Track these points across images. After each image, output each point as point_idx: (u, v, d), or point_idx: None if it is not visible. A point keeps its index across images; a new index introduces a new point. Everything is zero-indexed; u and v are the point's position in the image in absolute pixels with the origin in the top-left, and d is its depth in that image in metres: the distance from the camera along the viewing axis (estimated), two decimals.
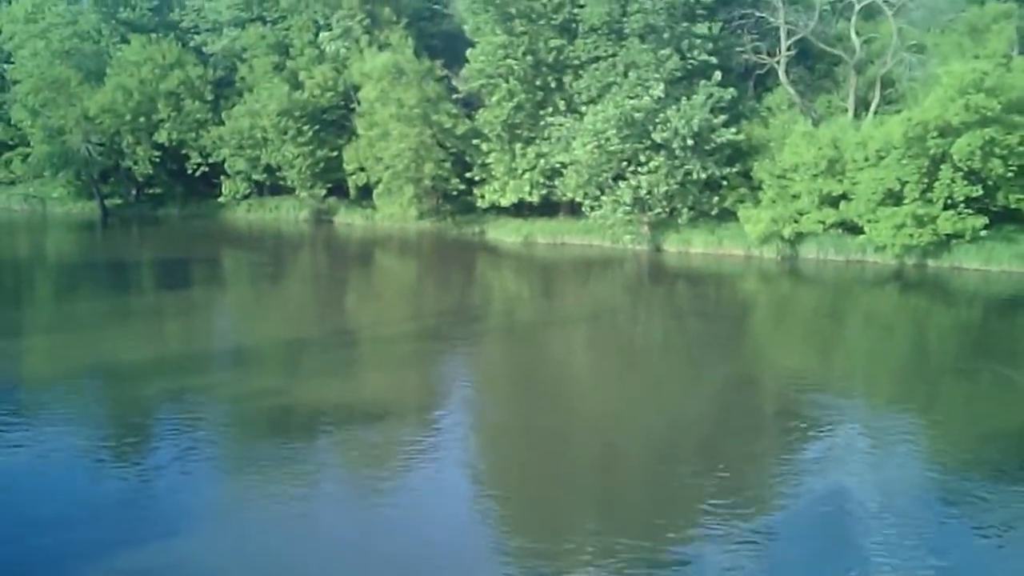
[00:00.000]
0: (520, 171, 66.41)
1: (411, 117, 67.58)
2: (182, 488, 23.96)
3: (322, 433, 28.59)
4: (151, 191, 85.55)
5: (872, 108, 60.03)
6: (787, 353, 40.93)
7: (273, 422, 29.28)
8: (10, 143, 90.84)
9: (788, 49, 62.12)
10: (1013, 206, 53.65)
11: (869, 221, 54.91)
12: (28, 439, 27.26)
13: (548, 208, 68.90)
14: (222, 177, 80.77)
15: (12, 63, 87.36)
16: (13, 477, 24.69)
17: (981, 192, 52.92)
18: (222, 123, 78.76)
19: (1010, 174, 52.46)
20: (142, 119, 79.80)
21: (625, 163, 60.72)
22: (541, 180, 65.98)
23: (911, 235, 53.05)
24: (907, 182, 52.99)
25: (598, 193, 62.22)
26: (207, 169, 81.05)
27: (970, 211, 53.13)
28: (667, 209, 61.35)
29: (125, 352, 37.40)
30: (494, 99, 65.51)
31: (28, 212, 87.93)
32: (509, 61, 64.02)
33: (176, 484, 24.20)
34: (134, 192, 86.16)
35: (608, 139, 59.32)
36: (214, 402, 31.09)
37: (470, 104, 70.78)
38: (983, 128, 51.22)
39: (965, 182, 52.46)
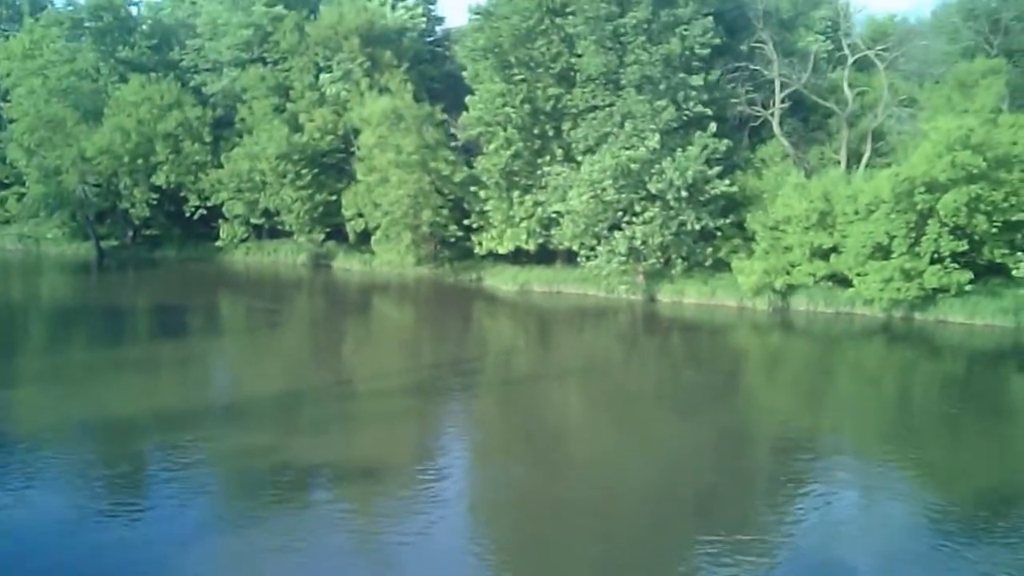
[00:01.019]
0: (517, 219, 71.24)
1: (410, 163, 72.32)
2: (175, 546, 26.90)
3: (317, 491, 32.00)
4: (148, 232, 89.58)
5: (864, 161, 64.97)
6: (779, 406, 45.70)
7: (267, 480, 32.33)
8: (5, 182, 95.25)
9: (782, 101, 67.17)
10: (998, 260, 58.46)
11: (858, 274, 59.70)
12: (18, 497, 30.04)
13: (545, 256, 73.55)
14: (220, 221, 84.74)
15: (8, 101, 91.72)
16: (4, 534, 27.49)
17: (967, 247, 57.71)
18: (220, 165, 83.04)
19: (995, 230, 57.42)
20: (140, 161, 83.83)
21: (620, 213, 65.47)
22: (538, 229, 70.83)
23: (898, 289, 57.83)
24: (895, 236, 57.76)
25: (594, 242, 66.88)
26: (205, 212, 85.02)
27: (956, 265, 57.88)
28: (661, 259, 66.06)
29: (119, 405, 40.53)
30: (492, 147, 70.36)
31: (22, 252, 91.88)
32: (507, 109, 68.97)
33: (170, 541, 27.20)
34: (130, 233, 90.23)
35: (604, 189, 64.17)
36: (209, 459, 34.27)
37: (469, 150, 75.60)
38: (969, 184, 56.14)
39: (951, 237, 57.24)
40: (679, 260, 66.12)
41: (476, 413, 44.04)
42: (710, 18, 65.45)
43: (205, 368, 51.28)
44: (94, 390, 43.43)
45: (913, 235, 57.99)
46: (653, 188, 63.99)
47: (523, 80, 69.39)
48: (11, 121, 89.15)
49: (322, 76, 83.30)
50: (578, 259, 69.02)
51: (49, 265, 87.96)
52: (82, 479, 32.36)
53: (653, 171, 63.89)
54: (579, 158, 68.17)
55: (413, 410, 42.80)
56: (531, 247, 72.01)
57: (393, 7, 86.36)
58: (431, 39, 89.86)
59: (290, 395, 43.72)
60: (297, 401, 42.86)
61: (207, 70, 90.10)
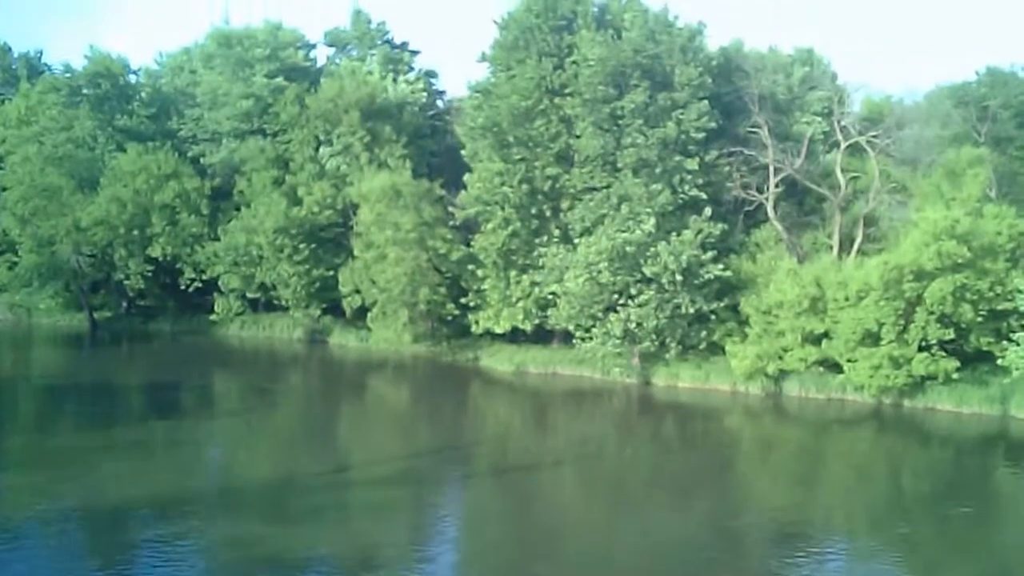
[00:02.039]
0: (514, 299, 76.16)
1: (408, 241, 77.35)
2: None
3: None
4: (142, 303, 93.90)
5: (855, 246, 70.16)
6: (771, 494, 50.22)
7: (259, 573, 35.28)
8: None
9: (776, 186, 72.55)
10: (984, 348, 63.34)
11: (849, 360, 64.59)
12: None
13: (541, 335, 78.37)
14: (215, 295, 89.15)
15: (2, 168, 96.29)
16: None
17: (954, 335, 62.67)
18: (217, 237, 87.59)
19: (980, 318, 62.44)
20: (135, 232, 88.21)
21: (616, 295, 70.32)
22: (534, 309, 75.80)
23: (887, 376, 62.69)
24: (884, 323, 62.57)
25: (590, 324, 71.66)
26: (200, 285, 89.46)
27: (943, 353, 62.80)
28: (656, 342, 70.75)
29: (110, 491, 42.95)
30: (490, 226, 75.48)
31: (13, 322, 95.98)
32: (505, 188, 74.26)
33: None
34: (124, 305, 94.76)
35: (600, 271, 69.12)
36: (200, 550, 36.98)
37: (467, 227, 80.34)
38: (955, 274, 61.19)
39: (938, 325, 62.15)
40: (674, 343, 70.79)
41: (471, 503, 47.82)
42: (706, 102, 70.82)
43: (198, 451, 53.97)
44: (84, 475, 45.71)
45: (902, 322, 62.79)
46: (648, 271, 68.86)
47: (521, 159, 74.61)
48: (4, 189, 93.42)
49: (322, 149, 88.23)
50: (574, 340, 73.63)
51: (41, 337, 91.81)
52: (68, 574, 34.76)
53: (648, 254, 68.80)
54: (576, 239, 73.14)
55: (408, 500, 46.25)
56: (527, 327, 76.74)
57: (394, 80, 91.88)
58: (432, 113, 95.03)
59: (284, 482, 46.63)
60: (290, 488, 45.65)
61: (206, 140, 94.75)
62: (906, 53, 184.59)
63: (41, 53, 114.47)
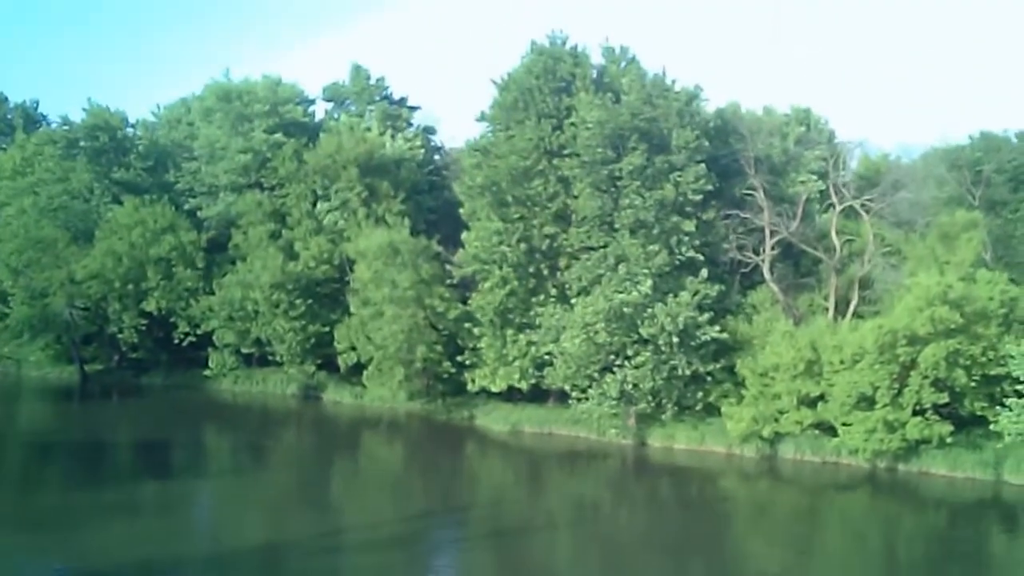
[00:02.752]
0: (511, 357, 77.94)
1: (405, 299, 79.28)
2: None
3: None
4: (134, 356, 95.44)
5: (851, 309, 72.52)
6: (766, 557, 52.33)
7: None
8: None
9: (772, 248, 74.99)
10: (978, 413, 65.52)
11: (844, 424, 66.73)
12: None
13: (537, 393, 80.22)
14: (210, 350, 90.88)
15: None
16: None
17: (947, 399, 64.85)
18: (212, 291, 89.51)
19: (974, 383, 64.70)
20: (130, 286, 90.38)
21: (613, 356, 72.44)
22: (531, 368, 77.56)
23: (881, 440, 64.82)
24: (879, 387, 64.74)
25: (586, 384, 73.66)
26: (194, 339, 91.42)
27: (937, 417, 64.90)
28: (652, 404, 72.77)
29: (97, 555, 44.33)
30: (487, 285, 77.51)
31: (1, 375, 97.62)
32: (503, 248, 76.40)
33: None
34: (116, 358, 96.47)
35: (597, 332, 71.15)
36: None
37: (464, 284, 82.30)
38: (948, 339, 63.45)
39: (932, 389, 64.29)
40: (670, 404, 72.79)
41: (466, 568, 49.64)
42: (703, 165, 73.30)
43: (189, 514, 55.64)
44: (72, 537, 47.12)
45: (896, 386, 64.96)
46: (645, 332, 70.95)
47: (520, 218, 76.92)
48: None
49: (319, 204, 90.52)
50: (569, 399, 75.53)
51: (30, 389, 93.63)
52: None
53: (645, 315, 70.89)
54: (573, 298, 75.22)
55: (403, 564, 48.15)
56: (523, 386, 78.53)
57: (393, 137, 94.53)
58: (429, 168, 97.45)
59: (276, 546, 48.22)
60: (282, 553, 47.21)
61: (203, 193, 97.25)
62: (904, 108, 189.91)
63: (37, 103, 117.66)
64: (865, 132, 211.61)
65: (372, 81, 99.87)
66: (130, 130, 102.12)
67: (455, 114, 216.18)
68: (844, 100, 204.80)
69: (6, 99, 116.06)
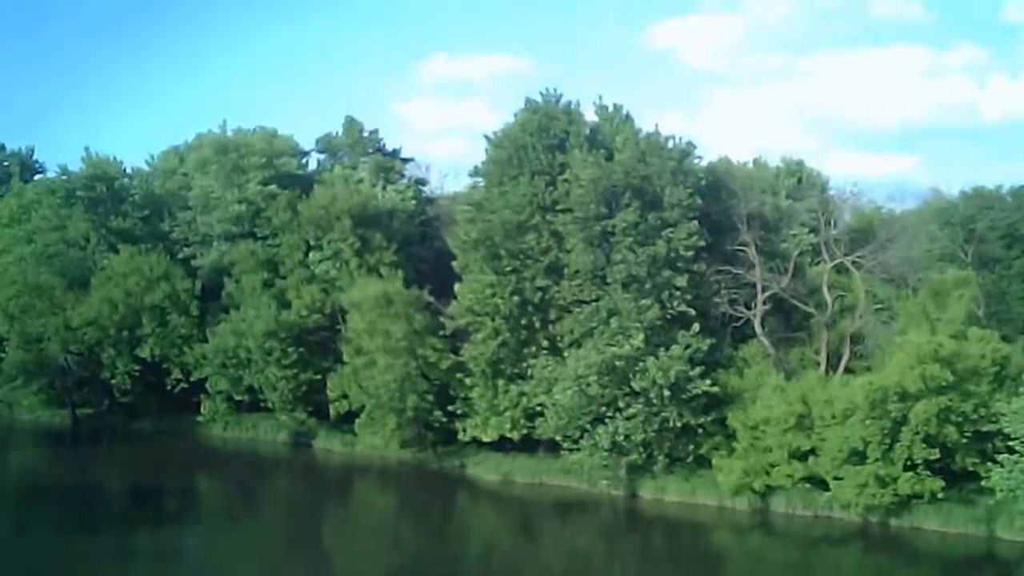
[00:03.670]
0: (502, 408, 75.86)
1: (398, 349, 77.34)
2: None
3: None
4: (124, 400, 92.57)
5: (842, 364, 70.56)
6: None
7: None
8: None
9: (763, 303, 73.01)
10: (970, 468, 63.34)
11: (835, 478, 64.49)
12: None
13: (528, 443, 77.76)
14: (203, 396, 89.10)
15: None
16: None
17: (939, 455, 62.57)
18: (205, 339, 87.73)
19: (965, 439, 62.62)
20: (125, 332, 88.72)
21: (604, 408, 70.23)
22: (522, 419, 75.47)
23: (873, 495, 62.50)
24: (870, 442, 62.64)
25: (577, 435, 71.42)
26: (187, 386, 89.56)
27: (929, 472, 62.66)
28: (644, 455, 70.54)
29: None
30: (480, 336, 75.48)
31: None
32: (496, 300, 74.24)
33: None
34: (107, 402, 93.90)
35: (589, 384, 69.07)
36: None
37: (456, 335, 79.89)
38: (939, 396, 61.42)
39: (924, 445, 62.09)
40: (661, 456, 70.50)
41: None
42: (695, 222, 71.60)
43: (181, 561, 54.14)
44: None
45: (887, 441, 62.76)
46: (637, 385, 68.87)
47: (512, 271, 74.79)
48: None
49: (312, 254, 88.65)
50: (561, 450, 73.37)
51: (22, 433, 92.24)
52: None
53: (637, 368, 68.88)
54: (565, 350, 73.19)
55: None
56: (515, 436, 76.30)
57: (384, 188, 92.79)
58: (421, 219, 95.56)
59: None
60: None
61: (197, 242, 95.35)
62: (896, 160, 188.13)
63: (33, 150, 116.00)
64: (858, 180, 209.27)
65: (365, 134, 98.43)
66: (126, 179, 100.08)
67: (444, 160, 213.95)
68: (836, 152, 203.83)
69: (3, 147, 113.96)
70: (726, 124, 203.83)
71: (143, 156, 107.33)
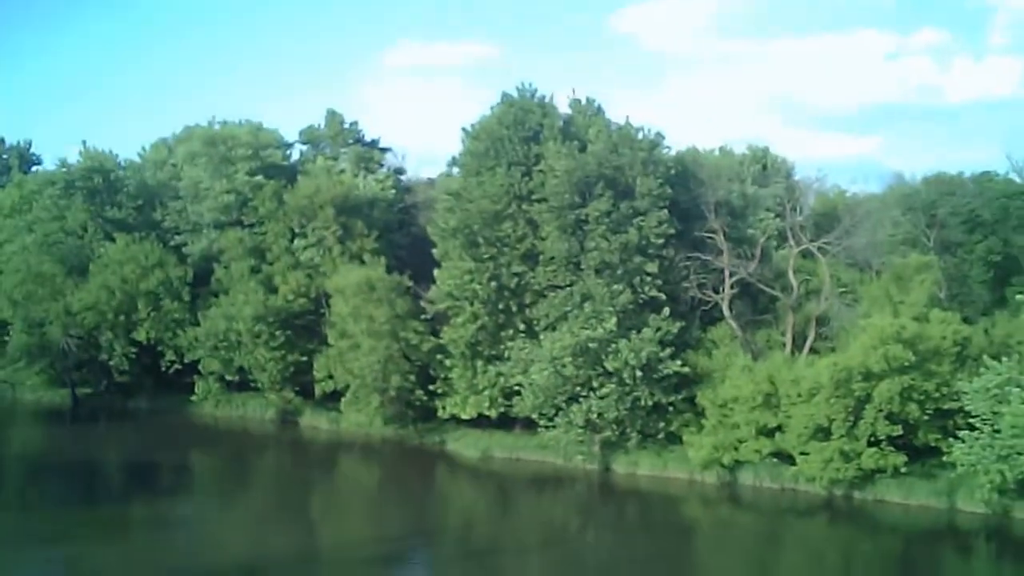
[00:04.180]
0: (480, 387, 73.13)
1: (381, 332, 74.40)
2: None
3: None
4: (121, 379, 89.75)
5: (807, 345, 67.72)
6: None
7: None
8: None
9: (731, 287, 70.12)
10: (932, 444, 60.67)
11: (801, 453, 61.79)
12: None
13: (505, 420, 74.78)
14: (196, 377, 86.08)
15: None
16: None
17: (901, 431, 59.93)
18: (197, 323, 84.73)
19: (927, 417, 59.98)
20: (122, 317, 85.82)
21: (579, 387, 67.42)
22: (500, 398, 72.67)
23: (838, 469, 59.84)
24: (834, 419, 60.01)
25: (553, 413, 68.66)
26: (180, 367, 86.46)
27: (892, 448, 60.03)
28: (617, 432, 67.81)
29: (91, 571, 43.40)
30: (459, 320, 72.51)
31: None
32: (474, 285, 71.18)
33: None
34: (104, 382, 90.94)
35: (564, 365, 66.28)
36: None
37: (436, 318, 76.75)
38: (901, 375, 58.75)
39: (887, 422, 59.42)
40: (634, 433, 67.82)
41: None
42: (665, 210, 68.59)
43: (176, 531, 52.69)
44: (67, 553, 46.01)
45: (851, 419, 60.16)
46: (610, 366, 66.11)
47: (490, 258, 71.85)
48: None
49: (296, 241, 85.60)
50: (537, 427, 70.50)
51: (24, 412, 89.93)
52: None
53: (610, 350, 66.07)
54: (540, 333, 70.32)
55: None
56: (492, 414, 73.61)
57: (364, 178, 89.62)
58: (400, 207, 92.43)
59: (257, 563, 45.80)
60: (263, 570, 45.03)
61: (187, 231, 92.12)
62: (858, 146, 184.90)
63: (30, 143, 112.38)
64: (823, 166, 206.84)
65: (346, 125, 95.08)
66: (121, 171, 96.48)
67: (421, 146, 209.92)
68: (798, 140, 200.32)
69: (3, 140, 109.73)
70: (691, 107, 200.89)
71: (126, 148, 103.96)
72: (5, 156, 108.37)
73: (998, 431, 55.29)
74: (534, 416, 70.57)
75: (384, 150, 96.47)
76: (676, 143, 78.69)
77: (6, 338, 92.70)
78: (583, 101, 76.72)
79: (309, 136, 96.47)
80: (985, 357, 58.66)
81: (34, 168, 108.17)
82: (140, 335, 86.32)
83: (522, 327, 72.31)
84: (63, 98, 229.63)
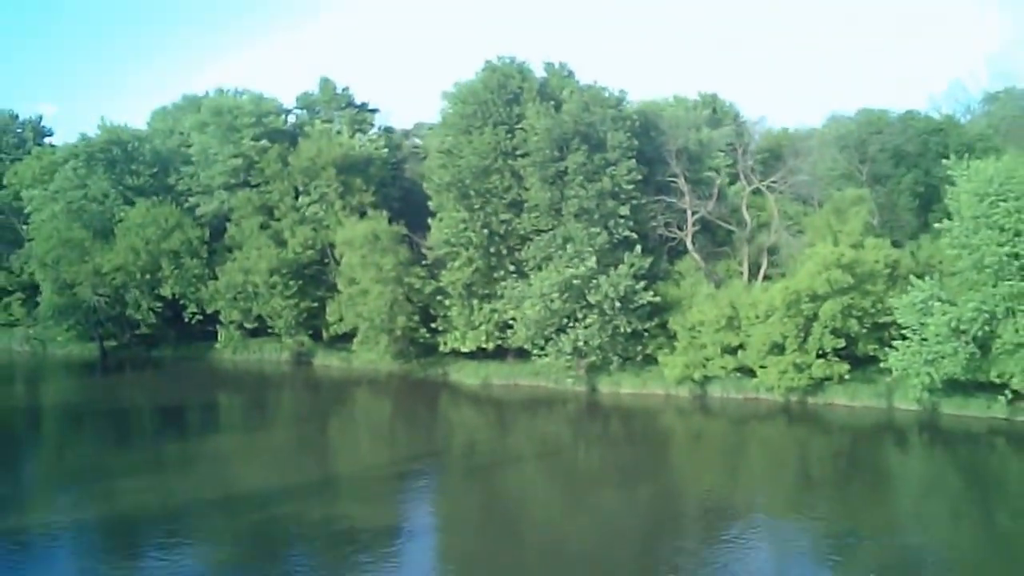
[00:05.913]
0: (477, 323, 79.35)
1: (387, 279, 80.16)
2: None
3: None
4: (143, 331, 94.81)
5: (762, 272, 74.62)
6: (702, 475, 56.21)
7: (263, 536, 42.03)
8: (9, 288, 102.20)
9: (693, 225, 76.82)
10: (871, 353, 67.98)
11: (761, 367, 69.06)
12: None
13: (501, 352, 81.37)
14: (218, 326, 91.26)
15: (28, 223, 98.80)
16: None
17: (844, 344, 67.19)
18: (215, 277, 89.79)
19: (865, 330, 67.35)
20: (147, 275, 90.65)
21: (566, 319, 73.94)
22: (495, 332, 79.10)
23: (792, 378, 67.31)
24: (788, 336, 67.14)
25: (543, 343, 75.30)
26: (202, 318, 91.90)
27: (837, 358, 67.35)
28: (600, 357, 74.43)
29: (129, 505, 46.34)
30: (456, 264, 78.63)
31: (28, 353, 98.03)
32: (468, 233, 77.26)
33: None
34: (128, 334, 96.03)
35: (552, 300, 72.64)
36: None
37: (435, 263, 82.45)
38: (842, 296, 65.86)
39: (832, 336, 66.68)
40: (615, 357, 74.40)
41: (445, 491, 53.14)
42: (633, 160, 74.70)
43: (206, 467, 55.57)
44: (107, 490, 48.80)
45: (802, 335, 67.25)
46: (592, 299, 72.49)
47: (480, 208, 77.64)
48: (30, 239, 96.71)
49: (301, 198, 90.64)
50: (529, 355, 77.25)
51: (56, 366, 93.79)
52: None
53: (591, 285, 72.41)
54: (528, 273, 76.56)
55: (392, 498, 51.28)
56: (489, 346, 79.79)
57: (359, 138, 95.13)
58: (392, 163, 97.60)
59: (284, 491, 49.45)
60: (288, 494, 48.81)
61: (199, 193, 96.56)
62: (800, 89, 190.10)
63: (41, 117, 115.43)
64: (767, 107, 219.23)
65: (339, 91, 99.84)
66: (136, 142, 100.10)
67: (401, 97, 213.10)
68: (744, 85, 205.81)
69: (17, 116, 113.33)
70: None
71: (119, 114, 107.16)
72: (20, 130, 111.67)
73: (925, 339, 62.03)
74: (527, 347, 76.91)
75: (373, 111, 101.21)
76: (637, 96, 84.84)
77: (37, 299, 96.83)
78: (556, 65, 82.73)
79: (305, 102, 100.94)
80: (912, 277, 65.07)
81: (46, 139, 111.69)
82: (165, 291, 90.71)
83: (512, 268, 78.23)
84: (59, 68, 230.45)
